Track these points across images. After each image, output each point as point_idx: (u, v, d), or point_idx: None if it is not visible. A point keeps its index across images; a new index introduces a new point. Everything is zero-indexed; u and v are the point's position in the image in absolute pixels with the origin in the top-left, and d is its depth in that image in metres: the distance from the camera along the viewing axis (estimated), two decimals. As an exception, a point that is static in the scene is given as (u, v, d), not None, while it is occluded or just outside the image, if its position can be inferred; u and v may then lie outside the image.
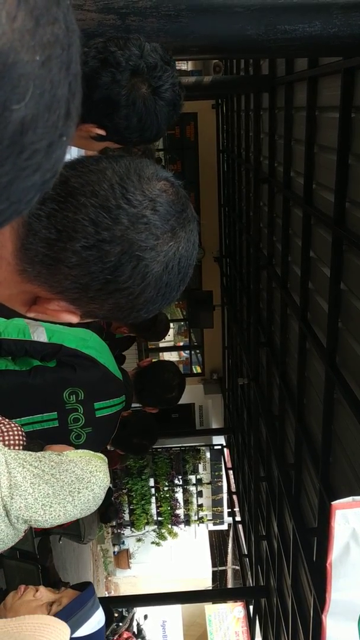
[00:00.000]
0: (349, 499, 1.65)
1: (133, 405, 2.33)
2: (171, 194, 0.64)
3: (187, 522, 12.24)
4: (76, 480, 1.30)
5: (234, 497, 8.65)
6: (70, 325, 1.82)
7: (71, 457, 1.34)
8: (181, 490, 12.01)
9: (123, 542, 12.78)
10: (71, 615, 1.50)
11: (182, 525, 12.19)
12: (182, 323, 12.34)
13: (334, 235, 2.92)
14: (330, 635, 1.74)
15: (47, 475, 1.26)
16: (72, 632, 1.48)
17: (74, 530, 5.15)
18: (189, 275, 0.68)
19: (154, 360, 2.61)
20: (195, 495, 12.18)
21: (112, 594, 12.27)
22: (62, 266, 0.62)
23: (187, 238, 0.66)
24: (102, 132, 1.29)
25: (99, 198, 0.61)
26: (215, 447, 11.20)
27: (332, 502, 1.64)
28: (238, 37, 1.34)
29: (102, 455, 1.43)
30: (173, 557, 12.94)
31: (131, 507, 11.71)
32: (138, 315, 0.69)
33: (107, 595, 11.77)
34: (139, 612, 10.82)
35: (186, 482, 11.92)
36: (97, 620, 1.56)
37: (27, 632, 1.22)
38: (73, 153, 1.57)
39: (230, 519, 10.90)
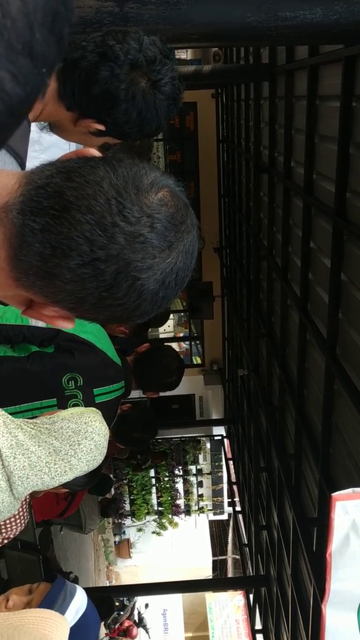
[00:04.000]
0: (349, 490, 1.65)
1: (133, 391, 2.33)
2: (171, 206, 0.62)
3: (188, 512, 12.31)
4: (73, 433, 1.30)
5: (234, 487, 8.68)
6: None
7: (63, 416, 1.34)
8: (181, 480, 12.06)
9: (124, 532, 12.86)
10: None
11: (182, 515, 12.26)
12: (182, 314, 12.34)
13: (334, 225, 2.90)
14: (330, 625, 1.75)
15: (44, 435, 1.26)
16: None
17: (75, 520, 5.19)
18: (187, 282, 0.67)
19: (151, 345, 2.60)
20: (195, 486, 12.24)
21: (113, 583, 12.35)
22: (57, 281, 0.61)
23: (186, 250, 0.64)
24: (101, 127, 1.27)
25: (95, 214, 0.58)
26: (216, 438, 11.24)
27: (332, 494, 1.64)
28: (238, 24, 1.31)
29: (93, 408, 1.44)
30: (174, 546, 13.02)
31: (132, 498, 11.77)
32: (133, 322, 0.69)
33: (108, 584, 11.85)
34: (140, 601, 10.90)
35: (186, 472, 11.97)
36: (74, 610, 1.53)
37: (30, 625, 1.23)
38: (72, 148, 1.55)
39: (230, 509, 10.95)
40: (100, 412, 1.43)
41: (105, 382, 2.01)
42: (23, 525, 1.73)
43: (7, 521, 1.63)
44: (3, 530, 1.68)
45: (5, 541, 1.72)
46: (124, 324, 2.41)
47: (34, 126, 1.25)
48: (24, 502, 1.69)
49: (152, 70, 1.21)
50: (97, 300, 0.62)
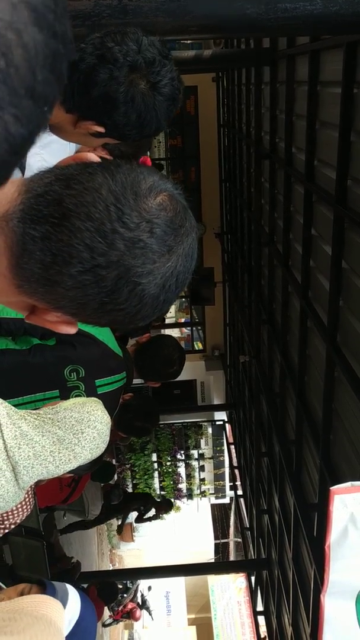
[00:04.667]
0: (348, 484, 1.68)
1: (135, 381, 2.34)
2: (170, 210, 0.62)
3: (190, 496, 12.40)
4: (76, 422, 1.32)
5: (236, 471, 8.75)
6: None
7: (65, 406, 1.37)
8: (183, 464, 12.14)
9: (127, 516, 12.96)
10: None
11: (184, 499, 12.35)
12: (183, 300, 12.34)
13: (335, 213, 2.90)
14: (329, 614, 1.80)
15: (47, 425, 1.28)
16: None
17: (78, 506, 5.26)
18: (187, 283, 0.68)
19: (152, 335, 2.61)
20: (197, 470, 12.32)
21: (117, 566, 12.51)
22: (59, 288, 0.62)
23: (185, 253, 0.64)
24: (100, 129, 1.27)
25: (94, 222, 0.59)
26: (217, 423, 11.30)
27: (331, 488, 1.67)
28: (238, 16, 1.30)
29: (94, 398, 1.46)
30: (176, 530, 13.15)
31: (134, 482, 11.87)
32: (135, 326, 0.69)
33: (111, 568, 12.00)
34: (143, 583, 11.03)
35: (188, 457, 12.05)
36: (67, 620, 1.50)
37: (28, 608, 1.25)
38: (72, 149, 1.54)
39: (232, 493, 11.05)
40: (101, 402, 1.45)
41: (106, 373, 2.02)
42: (29, 511, 1.76)
43: (14, 508, 1.66)
44: (11, 516, 1.71)
45: (12, 526, 1.74)
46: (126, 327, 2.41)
47: None
48: (29, 489, 1.72)
49: (151, 72, 1.20)
50: (98, 306, 0.63)
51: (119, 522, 8.57)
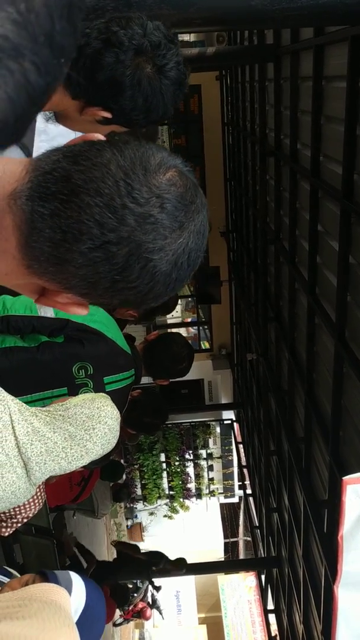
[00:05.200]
0: (360, 474, 1.67)
1: (143, 378, 2.34)
2: (180, 186, 0.61)
3: (199, 495, 12.40)
4: (87, 419, 1.32)
5: (245, 470, 8.73)
6: None
7: (75, 402, 1.37)
8: (192, 464, 12.14)
9: (136, 516, 12.98)
10: None
11: (193, 499, 12.35)
12: (189, 299, 12.33)
13: (342, 208, 2.89)
14: (342, 605, 1.79)
15: (58, 421, 1.29)
16: None
17: (87, 505, 5.26)
18: (199, 264, 0.66)
19: (160, 333, 2.61)
20: (206, 469, 12.31)
21: (127, 566, 12.50)
22: (69, 266, 0.61)
23: (197, 230, 0.63)
24: (107, 114, 1.26)
25: (104, 197, 0.58)
26: (225, 422, 11.29)
27: (343, 478, 1.66)
28: (242, 7, 1.29)
29: (103, 394, 1.46)
30: (185, 529, 13.14)
31: (143, 482, 11.88)
32: (147, 306, 0.68)
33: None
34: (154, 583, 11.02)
35: (197, 456, 12.05)
36: (72, 609, 1.49)
37: (37, 595, 1.25)
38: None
39: (241, 492, 11.04)
40: (109, 397, 1.45)
41: (115, 370, 2.02)
42: (40, 505, 1.76)
43: (26, 502, 1.66)
44: (23, 510, 1.72)
45: (25, 520, 1.75)
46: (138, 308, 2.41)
47: (40, 116, 1.25)
48: (40, 484, 1.72)
49: (157, 55, 1.19)
50: (110, 284, 0.62)
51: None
